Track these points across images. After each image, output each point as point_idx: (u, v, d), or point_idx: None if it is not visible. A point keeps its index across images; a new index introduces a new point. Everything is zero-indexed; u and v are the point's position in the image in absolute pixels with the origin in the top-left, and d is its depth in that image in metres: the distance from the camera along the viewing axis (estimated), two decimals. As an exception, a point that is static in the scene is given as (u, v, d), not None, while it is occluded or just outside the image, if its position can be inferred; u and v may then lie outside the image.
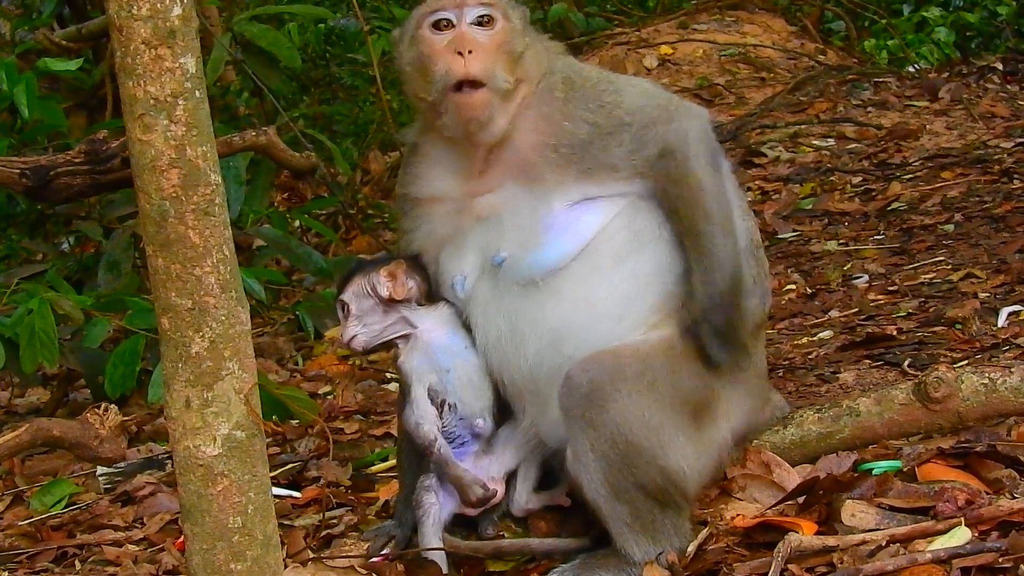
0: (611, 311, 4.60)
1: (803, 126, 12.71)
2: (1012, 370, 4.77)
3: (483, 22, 4.69)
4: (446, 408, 4.83)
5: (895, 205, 9.95)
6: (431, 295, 4.91)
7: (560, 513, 4.85)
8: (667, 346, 4.59)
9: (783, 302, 7.85)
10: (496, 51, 4.67)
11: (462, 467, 4.78)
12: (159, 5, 3.57)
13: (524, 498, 4.87)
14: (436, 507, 4.78)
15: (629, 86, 4.84)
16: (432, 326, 4.88)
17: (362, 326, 4.90)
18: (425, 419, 4.79)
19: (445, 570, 4.68)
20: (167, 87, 3.64)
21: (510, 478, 4.89)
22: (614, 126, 4.66)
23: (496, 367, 4.80)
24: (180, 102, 3.66)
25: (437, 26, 4.70)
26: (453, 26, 4.68)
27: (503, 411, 4.91)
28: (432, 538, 4.74)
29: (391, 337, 4.92)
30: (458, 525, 4.87)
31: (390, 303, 4.89)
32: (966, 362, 5.94)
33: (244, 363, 3.83)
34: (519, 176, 4.69)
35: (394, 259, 4.95)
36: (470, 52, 4.64)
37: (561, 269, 4.61)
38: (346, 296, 4.93)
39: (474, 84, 4.64)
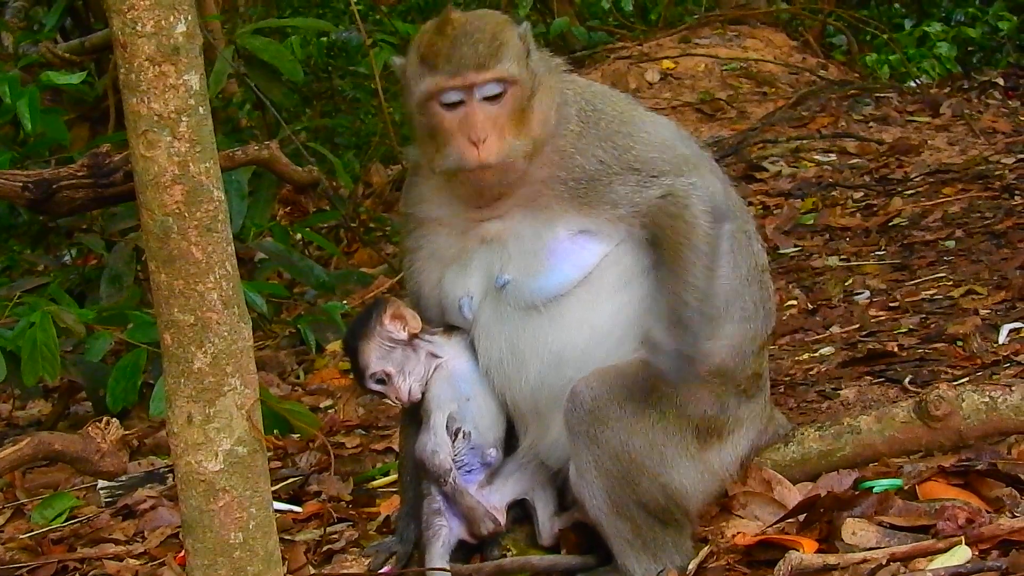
0: (613, 335, 4.60)
1: (804, 141, 12.71)
2: (1013, 388, 4.77)
3: (494, 97, 4.57)
4: (460, 436, 4.82)
5: (896, 221, 9.95)
6: (431, 320, 4.91)
7: (588, 525, 4.82)
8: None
9: (784, 318, 7.85)
10: (509, 121, 4.57)
11: (475, 499, 4.78)
12: (163, 22, 3.58)
13: (548, 526, 4.85)
14: (446, 529, 4.77)
15: (644, 132, 4.73)
16: (455, 354, 4.87)
17: (408, 377, 4.86)
18: (441, 448, 4.77)
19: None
20: (171, 104, 3.65)
21: (530, 511, 4.88)
22: (623, 168, 4.62)
23: (498, 388, 4.80)
24: (184, 119, 3.67)
25: (446, 105, 4.58)
26: (463, 103, 4.56)
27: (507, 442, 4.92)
28: (440, 560, 4.73)
29: (433, 371, 4.89)
30: (458, 548, 4.86)
31: (411, 341, 4.86)
32: (967, 379, 5.95)
33: (246, 379, 3.84)
34: (526, 204, 4.66)
35: (381, 302, 4.94)
36: (483, 141, 4.54)
37: (563, 295, 4.61)
38: (376, 367, 4.87)
39: (501, 164, 4.58)
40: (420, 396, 4.87)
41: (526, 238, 4.64)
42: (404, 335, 4.85)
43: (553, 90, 4.72)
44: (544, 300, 4.61)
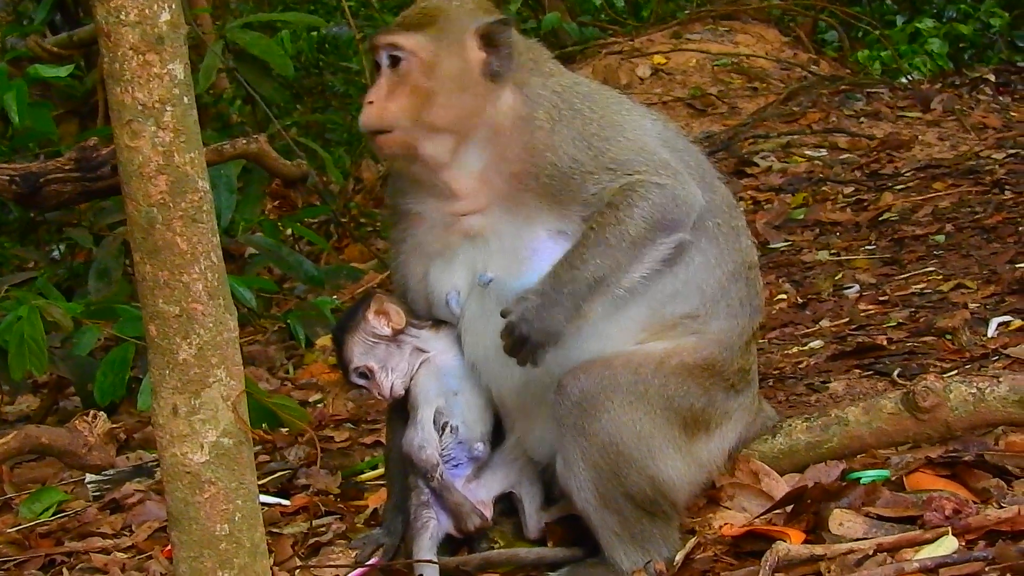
0: (598, 331, 4.59)
1: (795, 136, 12.72)
2: (1000, 380, 4.76)
3: (393, 64, 4.66)
4: (447, 430, 4.81)
5: (887, 215, 9.97)
6: (420, 314, 4.90)
7: (576, 518, 4.81)
8: (659, 359, 4.58)
9: (774, 312, 7.86)
10: (405, 94, 4.63)
11: (463, 495, 4.78)
12: (147, 11, 3.57)
13: (535, 519, 4.85)
14: (434, 522, 4.77)
15: (624, 136, 4.69)
16: (443, 348, 4.87)
17: (391, 373, 4.87)
18: (428, 443, 4.77)
19: (437, 583, 4.67)
20: (155, 93, 3.63)
21: (516, 504, 4.88)
22: (598, 168, 4.59)
23: (485, 383, 4.81)
24: (168, 108, 3.65)
25: (375, 66, 4.72)
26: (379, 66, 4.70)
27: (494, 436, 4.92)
28: (428, 553, 4.72)
29: (417, 367, 4.89)
30: (446, 541, 4.85)
31: (395, 337, 4.86)
32: (955, 372, 5.95)
33: (232, 370, 3.83)
34: (503, 200, 4.65)
35: (367, 298, 4.94)
36: (370, 103, 4.65)
37: None
38: (359, 361, 4.88)
39: (380, 131, 4.65)
40: (403, 392, 4.87)
41: (506, 236, 4.64)
42: (388, 331, 4.85)
43: (493, 89, 4.69)
44: None
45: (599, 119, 4.69)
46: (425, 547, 4.73)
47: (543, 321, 4.44)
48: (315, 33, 14.78)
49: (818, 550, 4.18)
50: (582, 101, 4.73)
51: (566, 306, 4.45)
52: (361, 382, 4.91)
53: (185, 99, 3.69)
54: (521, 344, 4.45)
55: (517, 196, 4.62)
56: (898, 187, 10.79)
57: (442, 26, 4.66)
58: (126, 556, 5.48)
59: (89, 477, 6.41)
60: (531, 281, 4.53)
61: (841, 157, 12.12)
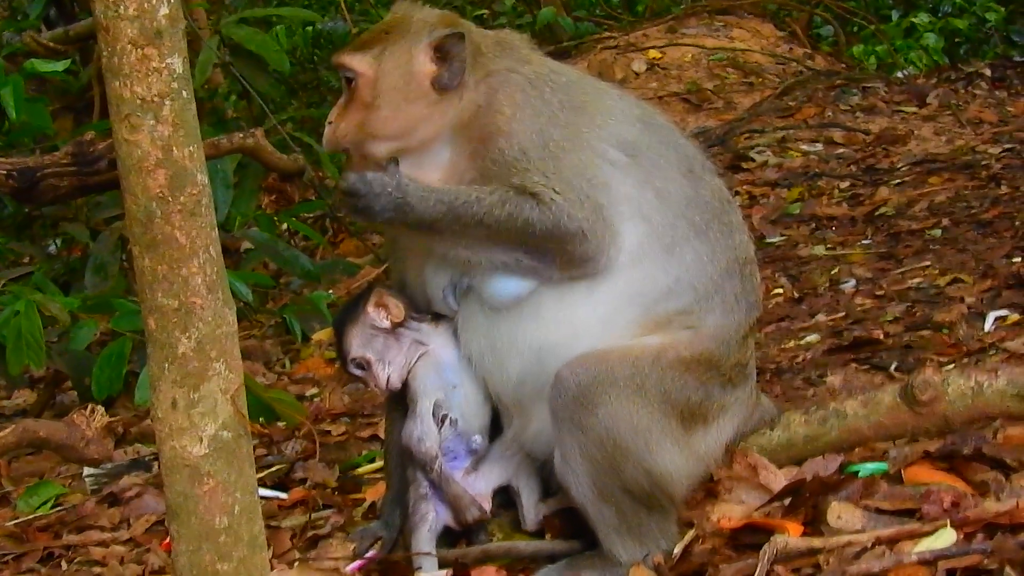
0: (592, 329, 4.59)
1: (791, 131, 12.74)
2: (998, 373, 4.76)
3: (348, 83, 4.72)
4: (446, 423, 4.82)
5: (883, 210, 9.98)
6: (420, 308, 4.91)
7: (574, 511, 4.81)
8: (655, 352, 4.58)
9: (771, 306, 7.86)
10: (357, 110, 4.69)
11: (462, 487, 4.78)
12: (146, 5, 3.57)
13: (533, 512, 4.85)
14: (433, 515, 4.77)
15: (579, 156, 4.60)
16: (442, 343, 4.87)
17: (388, 366, 4.87)
18: (428, 436, 4.78)
19: (436, 575, 4.66)
20: (154, 87, 3.63)
21: (514, 497, 4.89)
22: (537, 169, 4.54)
23: (481, 377, 4.82)
24: (167, 102, 3.65)
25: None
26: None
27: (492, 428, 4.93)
28: (426, 545, 4.73)
29: (416, 360, 4.90)
30: (444, 533, 4.85)
31: (394, 330, 4.87)
32: (952, 366, 5.95)
33: (231, 364, 3.83)
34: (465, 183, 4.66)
35: (368, 290, 4.94)
36: (329, 123, 4.76)
37: (533, 294, 4.61)
38: (357, 352, 4.89)
39: (338, 151, 4.80)
40: (399, 385, 4.87)
41: None
42: (387, 324, 4.85)
43: (485, 77, 4.69)
44: (505, 303, 4.62)
45: (565, 124, 4.64)
46: (423, 540, 4.74)
47: (369, 192, 4.54)
48: (310, 28, 14.79)
49: (816, 543, 4.18)
50: (555, 93, 4.69)
51: (394, 205, 4.53)
52: (358, 373, 4.92)
53: (184, 93, 3.68)
54: (353, 196, 4.57)
55: (469, 175, 4.62)
56: (894, 182, 10.80)
57: (392, 42, 4.68)
58: (124, 549, 5.49)
59: (87, 471, 6.42)
60: (503, 288, 4.61)
61: (837, 152, 12.14)
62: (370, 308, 4.87)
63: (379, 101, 4.64)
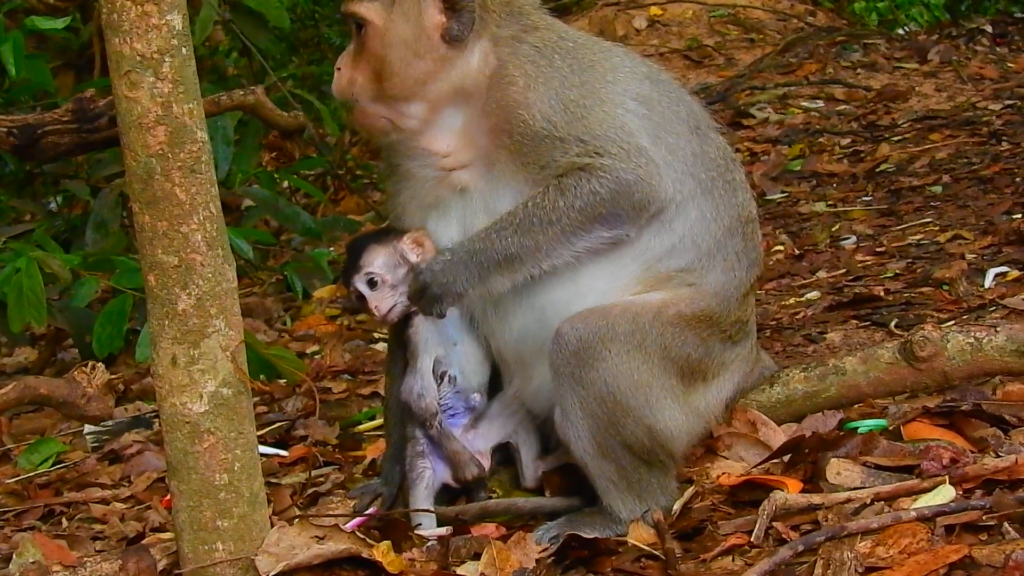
0: (595, 287, 4.60)
1: (792, 88, 12.72)
2: (998, 329, 4.77)
3: (359, 30, 4.68)
4: (446, 380, 4.82)
5: (883, 167, 9.97)
6: None
7: (573, 468, 4.80)
8: (656, 308, 4.58)
9: (771, 263, 7.86)
10: (364, 60, 4.68)
11: (461, 443, 4.79)
12: (145, -39, 3.57)
13: (532, 469, 4.87)
14: (430, 471, 4.79)
15: (602, 110, 4.62)
16: None
17: (396, 297, 4.86)
18: (428, 391, 4.78)
19: (435, 532, 4.67)
20: (153, 44, 3.64)
21: (513, 454, 4.91)
22: (569, 135, 4.54)
23: (483, 334, 4.83)
24: (166, 59, 3.66)
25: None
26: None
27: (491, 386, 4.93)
28: (424, 502, 4.74)
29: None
30: (444, 490, 4.87)
31: (414, 269, 4.84)
32: (952, 322, 5.95)
33: (231, 320, 3.84)
34: (484, 157, 4.64)
35: (414, 229, 4.90)
36: (338, 69, 4.73)
37: None
38: (377, 269, 4.84)
39: (347, 101, 4.75)
40: (395, 319, 4.86)
41: (487, 193, 4.64)
42: (415, 259, 4.82)
43: (493, 41, 4.67)
44: None
45: (580, 84, 4.63)
46: (422, 496, 4.75)
47: (445, 278, 4.50)
48: (311, -15, 14.71)
49: (816, 499, 4.20)
50: (563, 58, 4.67)
51: (471, 272, 4.51)
52: (362, 289, 4.86)
53: (183, 50, 3.69)
54: (421, 292, 4.52)
55: (494, 153, 4.61)
56: (895, 138, 10.79)
57: None
58: (125, 506, 5.51)
59: (88, 428, 6.44)
60: None
61: (838, 108, 12.11)
62: (407, 239, 4.83)
63: (388, 51, 4.62)
